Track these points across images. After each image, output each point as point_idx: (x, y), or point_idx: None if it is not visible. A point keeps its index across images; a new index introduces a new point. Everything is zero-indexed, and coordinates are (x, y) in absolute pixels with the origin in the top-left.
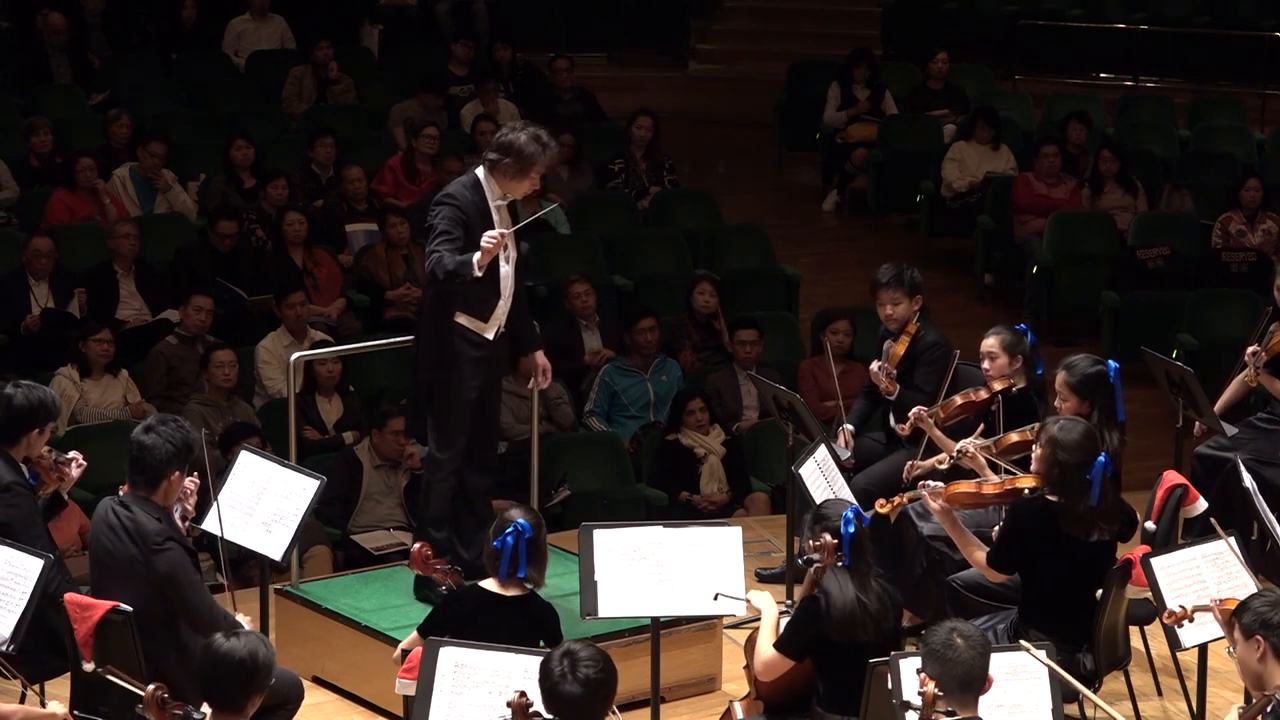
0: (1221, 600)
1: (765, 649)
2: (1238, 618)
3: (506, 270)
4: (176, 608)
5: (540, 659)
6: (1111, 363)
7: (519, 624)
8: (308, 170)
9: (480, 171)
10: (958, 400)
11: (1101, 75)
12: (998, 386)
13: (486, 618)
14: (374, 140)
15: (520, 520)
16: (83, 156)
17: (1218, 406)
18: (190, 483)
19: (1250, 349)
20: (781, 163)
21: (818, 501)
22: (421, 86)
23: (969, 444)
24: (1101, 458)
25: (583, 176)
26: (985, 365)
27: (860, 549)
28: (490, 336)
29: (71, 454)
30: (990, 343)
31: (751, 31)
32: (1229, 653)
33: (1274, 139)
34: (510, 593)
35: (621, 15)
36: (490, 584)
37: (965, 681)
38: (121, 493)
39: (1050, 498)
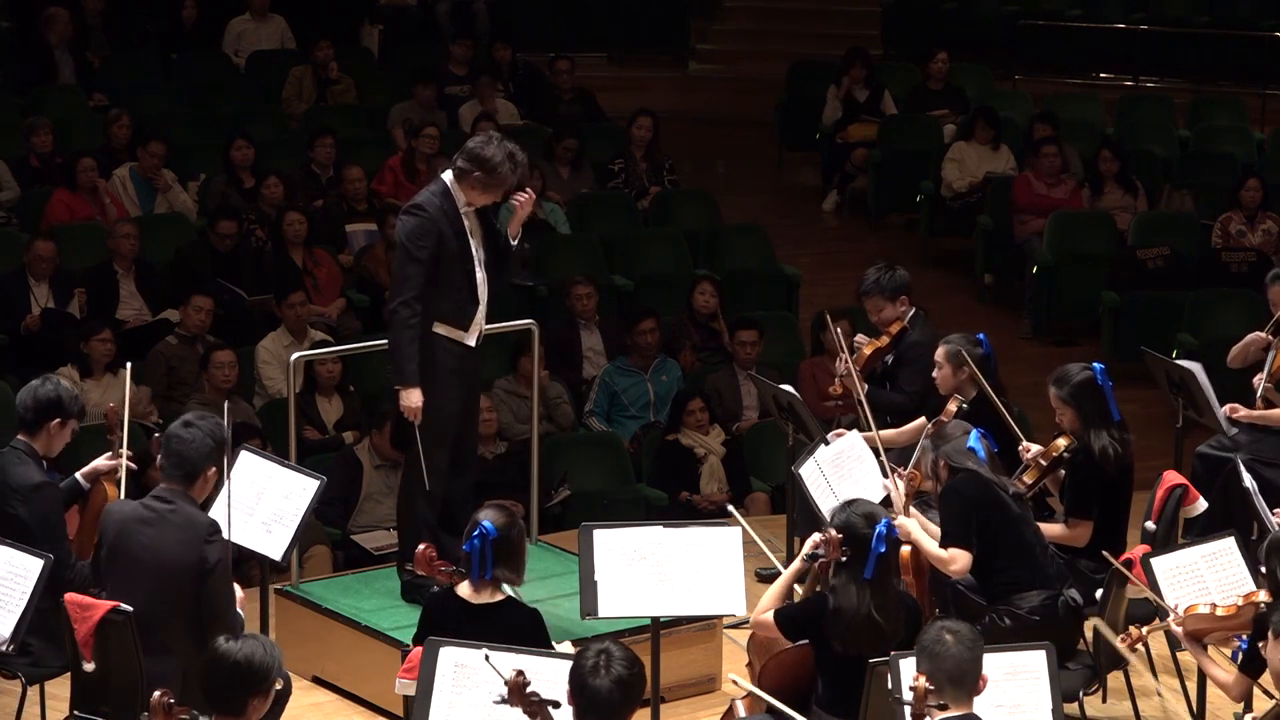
0: (1184, 611)
1: (765, 607)
2: (1269, 620)
3: (481, 275)
4: (204, 600)
5: (541, 659)
6: (1097, 365)
7: (493, 633)
8: (308, 170)
9: (448, 177)
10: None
11: (1101, 75)
12: (946, 418)
13: (464, 625)
14: (374, 140)
15: (485, 523)
16: (83, 156)
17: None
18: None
19: (1255, 379)
20: (781, 163)
21: (818, 502)
22: (417, 79)
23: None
24: (975, 432)
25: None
26: (934, 373)
27: (887, 566)
28: (472, 344)
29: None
30: (937, 353)
31: (751, 31)
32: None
33: (1274, 139)
34: (483, 599)
35: (621, 15)
36: (465, 590)
37: (955, 676)
38: (156, 490)
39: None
